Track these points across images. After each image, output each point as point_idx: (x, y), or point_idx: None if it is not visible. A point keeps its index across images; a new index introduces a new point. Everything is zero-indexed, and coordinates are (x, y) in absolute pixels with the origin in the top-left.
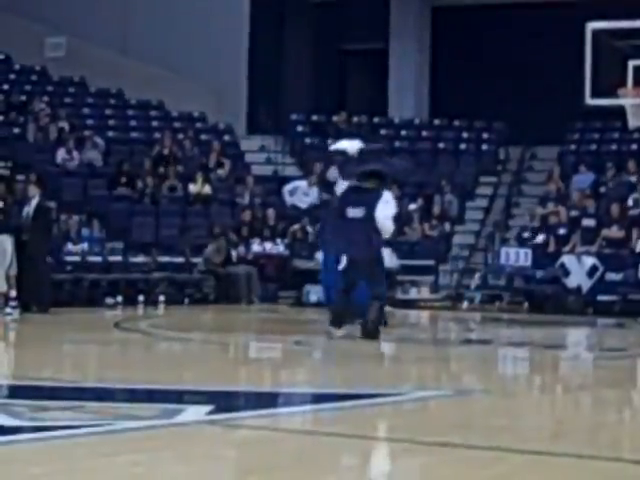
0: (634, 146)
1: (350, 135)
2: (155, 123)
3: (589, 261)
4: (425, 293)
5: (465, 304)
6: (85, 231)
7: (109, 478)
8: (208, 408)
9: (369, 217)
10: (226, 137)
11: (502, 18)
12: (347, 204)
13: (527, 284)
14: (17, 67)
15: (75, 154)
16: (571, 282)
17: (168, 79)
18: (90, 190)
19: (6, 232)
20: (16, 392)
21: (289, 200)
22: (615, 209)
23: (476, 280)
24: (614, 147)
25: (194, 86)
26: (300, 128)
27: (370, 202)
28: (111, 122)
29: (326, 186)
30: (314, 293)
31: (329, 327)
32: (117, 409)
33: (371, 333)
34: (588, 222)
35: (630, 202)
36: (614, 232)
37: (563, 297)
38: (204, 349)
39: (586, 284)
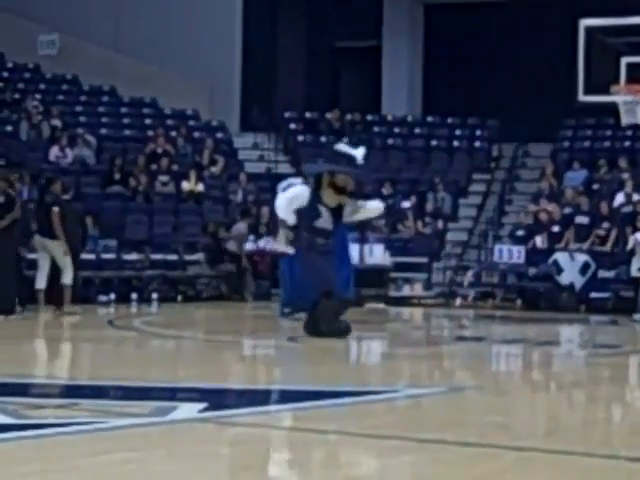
0: (627, 143)
1: (342, 134)
2: (148, 121)
3: (582, 258)
4: (418, 290)
5: (458, 301)
6: None
7: (101, 476)
8: (201, 406)
9: None
10: (219, 134)
11: (495, 15)
12: None
13: (520, 281)
14: (10, 65)
15: (68, 152)
16: (564, 279)
17: (161, 76)
18: (83, 188)
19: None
20: (9, 390)
21: None
22: (604, 206)
23: (469, 277)
24: (607, 144)
25: (187, 83)
26: (293, 125)
27: None
28: (104, 119)
29: None
30: None
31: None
32: (110, 407)
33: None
34: (581, 219)
35: (622, 199)
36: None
37: (556, 294)
38: (197, 346)
39: (579, 281)
